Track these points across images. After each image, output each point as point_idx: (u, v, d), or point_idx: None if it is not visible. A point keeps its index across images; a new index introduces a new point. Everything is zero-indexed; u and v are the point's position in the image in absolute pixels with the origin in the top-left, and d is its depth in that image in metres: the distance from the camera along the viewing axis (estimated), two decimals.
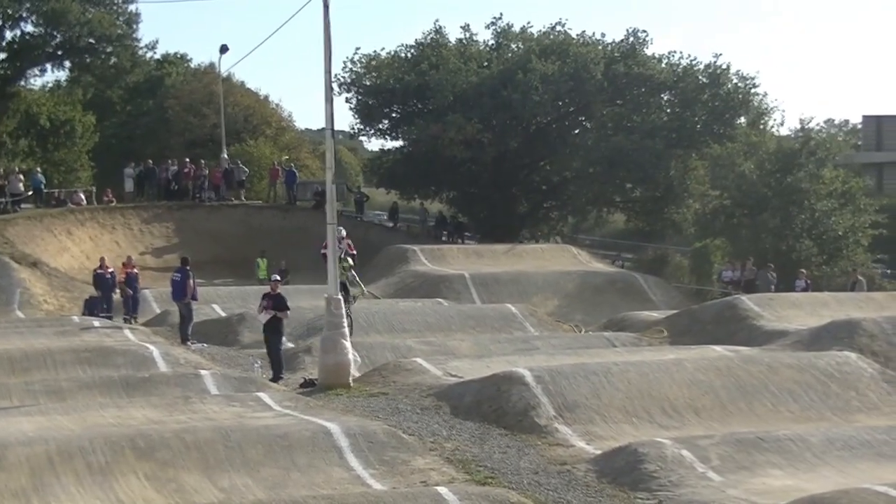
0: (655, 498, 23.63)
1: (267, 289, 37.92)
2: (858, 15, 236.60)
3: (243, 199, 77.41)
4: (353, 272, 38.11)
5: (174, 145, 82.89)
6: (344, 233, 38.73)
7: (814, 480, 23.24)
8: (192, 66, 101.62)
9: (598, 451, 26.70)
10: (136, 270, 52.21)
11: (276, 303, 36.47)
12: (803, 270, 63.03)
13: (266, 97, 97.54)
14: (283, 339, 37.21)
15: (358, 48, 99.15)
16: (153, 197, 74.96)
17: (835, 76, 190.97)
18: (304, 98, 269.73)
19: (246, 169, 78.48)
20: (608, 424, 28.86)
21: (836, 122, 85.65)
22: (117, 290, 51.03)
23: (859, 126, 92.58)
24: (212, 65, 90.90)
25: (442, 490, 23.19)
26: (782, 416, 29.81)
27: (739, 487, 23.70)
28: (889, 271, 65.93)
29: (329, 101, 36.04)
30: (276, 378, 35.83)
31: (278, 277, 40.16)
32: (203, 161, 77.57)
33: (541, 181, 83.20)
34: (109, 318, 48.60)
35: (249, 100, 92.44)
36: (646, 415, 29.51)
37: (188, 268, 44.07)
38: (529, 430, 28.64)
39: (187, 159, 76.73)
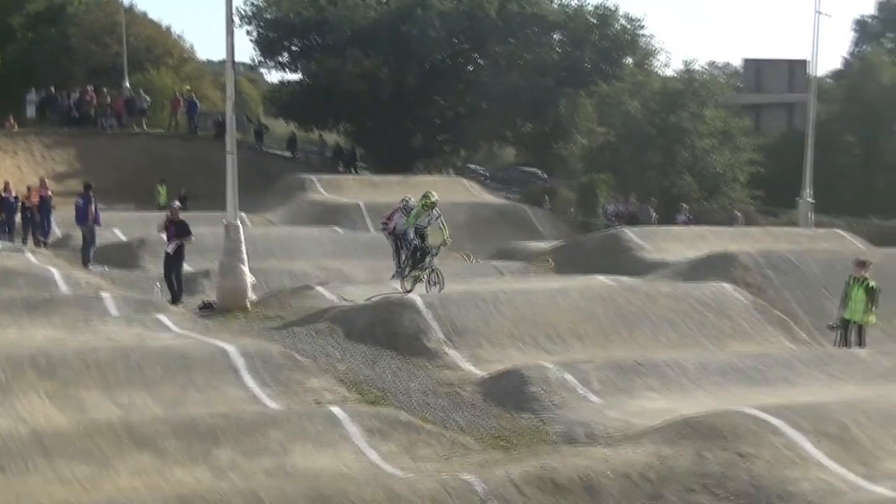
0: (538, 418, 23.95)
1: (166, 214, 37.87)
2: None
3: (145, 127, 77.12)
4: (437, 210, 35.00)
5: (76, 73, 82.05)
6: (412, 201, 36.28)
7: (688, 403, 23.64)
8: None
9: (485, 374, 26.96)
10: (49, 193, 51.87)
11: (179, 230, 36.42)
12: (684, 205, 63.65)
13: (168, 28, 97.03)
14: (184, 263, 37.16)
15: None
16: (55, 123, 74.41)
17: (719, 21, 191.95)
18: (206, 30, 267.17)
19: (148, 98, 78.24)
20: (495, 349, 29.13)
21: (719, 64, 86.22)
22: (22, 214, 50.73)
23: (740, 69, 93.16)
24: None
25: (334, 409, 23.38)
26: (661, 343, 30.21)
27: (618, 409, 24.10)
28: (765, 207, 66.50)
29: (230, 33, 36.04)
30: (175, 301, 35.88)
31: (178, 204, 40.12)
32: (105, 89, 77.10)
33: (435, 115, 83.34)
34: (10, 240, 48.31)
35: (151, 30, 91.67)
36: (531, 340, 29.80)
37: (91, 193, 43.89)
38: (419, 353, 28.85)
39: (89, 87, 76.26)
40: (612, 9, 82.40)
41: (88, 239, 43.34)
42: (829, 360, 28.52)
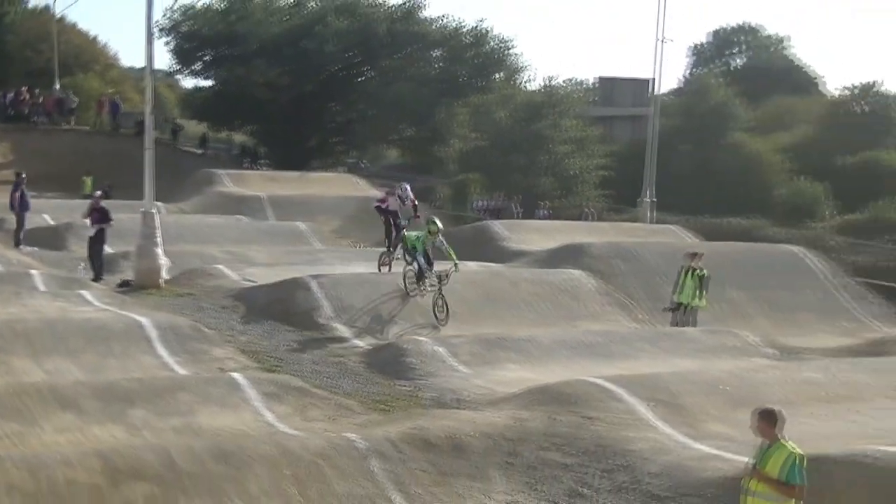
0: (414, 385, 24.02)
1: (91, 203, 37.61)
2: None
3: (73, 124, 76.44)
4: (441, 238, 31.18)
5: (12, 76, 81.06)
6: (409, 190, 34.66)
7: (544, 373, 23.80)
8: (30, 7, 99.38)
9: (368, 346, 27.04)
10: None
11: (101, 216, 36.24)
12: (543, 202, 64.10)
13: (95, 37, 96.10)
14: (105, 245, 36.86)
15: None
16: None
17: (578, 44, 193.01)
18: (130, 40, 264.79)
19: (76, 98, 77.72)
20: (379, 324, 29.24)
21: (576, 81, 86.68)
22: None
23: (595, 85, 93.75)
24: (47, 7, 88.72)
25: (236, 375, 23.36)
26: (522, 322, 30.35)
27: (483, 378, 24.22)
28: (613, 205, 66.94)
29: (150, 43, 35.93)
30: (97, 278, 35.60)
31: (100, 193, 39.83)
32: (38, 90, 76.37)
33: (329, 120, 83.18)
34: None
35: (80, 39, 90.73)
36: (408, 318, 29.88)
37: (22, 181, 43.45)
38: (311, 327, 28.87)
39: (24, 88, 75.57)
40: (486, 31, 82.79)
41: (19, 222, 42.82)
42: (664, 337, 28.87)
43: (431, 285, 30.06)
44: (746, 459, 14.74)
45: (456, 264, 30.23)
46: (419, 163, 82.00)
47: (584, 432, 19.69)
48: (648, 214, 57.38)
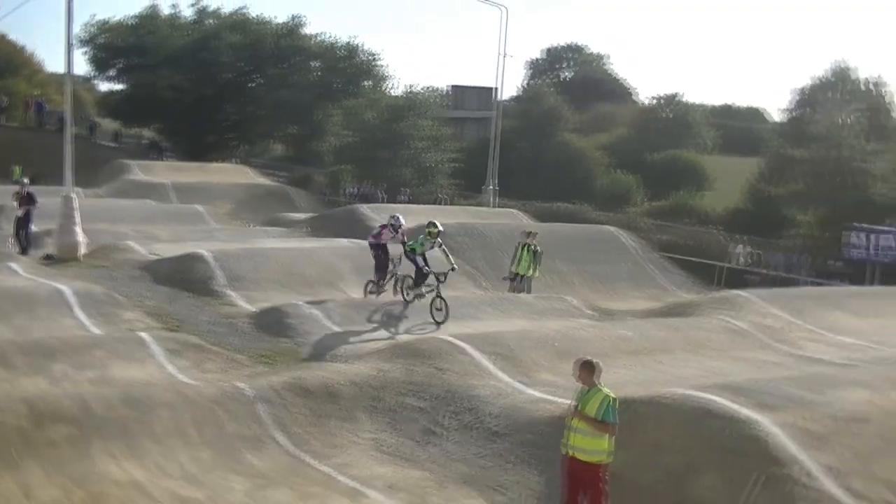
0: (294, 342, 23.99)
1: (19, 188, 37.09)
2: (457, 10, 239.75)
3: (3, 122, 75.42)
4: (440, 240, 27.48)
5: None
6: (401, 219, 29.07)
7: (369, 332, 23.91)
8: None
9: (256, 309, 26.92)
10: None
11: (28, 199, 35.80)
12: (405, 189, 64.26)
13: (23, 47, 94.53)
14: (31, 225, 36.32)
15: (94, 14, 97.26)
16: None
17: (434, 55, 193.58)
18: (54, 49, 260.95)
19: (6, 99, 76.91)
20: (264, 291, 29.07)
21: (432, 88, 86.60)
22: None
23: (448, 92, 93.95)
24: None
25: (143, 334, 23.23)
26: None
27: (352, 336, 24.23)
28: (463, 192, 67.23)
29: (69, 53, 35.68)
30: (24, 252, 35.10)
31: (26, 180, 39.18)
32: None
33: (225, 119, 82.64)
34: None
35: (10, 48, 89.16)
36: (291, 285, 29.78)
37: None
38: (208, 293, 28.71)
39: None
40: (356, 45, 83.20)
41: None
42: (503, 302, 29.05)
43: (428, 286, 26.73)
44: (569, 402, 14.93)
45: (454, 266, 27.32)
46: (300, 156, 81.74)
47: (435, 381, 19.81)
48: (491, 199, 57.86)
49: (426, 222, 28.19)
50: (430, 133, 70.96)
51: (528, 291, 31.36)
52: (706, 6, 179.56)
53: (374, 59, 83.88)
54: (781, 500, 14.83)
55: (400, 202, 58.83)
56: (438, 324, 25.69)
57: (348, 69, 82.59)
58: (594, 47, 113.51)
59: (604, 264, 36.35)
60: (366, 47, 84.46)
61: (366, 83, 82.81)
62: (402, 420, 18.72)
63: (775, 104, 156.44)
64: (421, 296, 26.81)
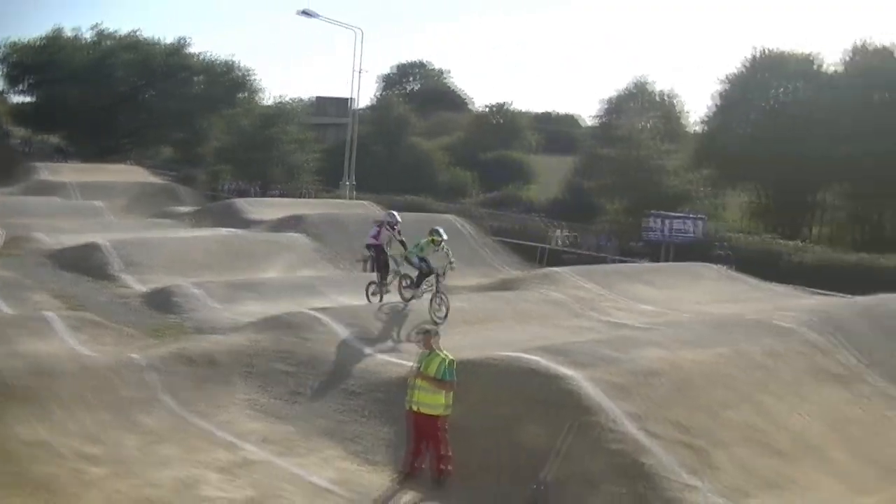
0: (180, 318, 23.75)
1: None
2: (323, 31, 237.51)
3: None
4: (445, 246, 23.08)
5: None
6: (397, 215, 25.91)
7: (274, 307, 23.62)
8: None
9: (147, 290, 26.53)
10: None
11: None
12: (276, 185, 63.87)
13: None
14: None
15: (8, 36, 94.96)
16: None
17: (296, 69, 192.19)
18: None
19: None
20: (155, 274, 28.68)
21: (299, 98, 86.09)
22: None
23: (313, 101, 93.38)
24: None
25: (48, 313, 22.67)
26: (258, 270, 30.17)
27: (230, 311, 24.07)
28: (325, 187, 67.04)
29: None
30: None
31: None
32: None
33: (122, 126, 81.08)
34: None
35: None
36: (178, 269, 29.38)
37: None
38: (105, 277, 28.31)
39: None
40: (233, 62, 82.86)
41: None
42: (360, 280, 28.86)
43: (428, 283, 23.10)
44: (412, 364, 15.02)
45: (452, 262, 23.47)
46: (186, 158, 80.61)
47: (301, 349, 19.67)
48: (348, 193, 57.73)
49: (429, 230, 23.84)
50: (297, 137, 70.57)
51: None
52: (532, 29, 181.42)
53: (248, 74, 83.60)
54: (592, 443, 15.08)
55: (272, 195, 58.48)
56: (437, 322, 21.23)
57: (226, 83, 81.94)
58: (437, 63, 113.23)
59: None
60: (242, 64, 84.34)
61: (242, 95, 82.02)
62: (273, 383, 18.56)
63: (587, 111, 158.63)
64: (419, 295, 23.24)
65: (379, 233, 25.14)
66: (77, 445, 15.85)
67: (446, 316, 22.02)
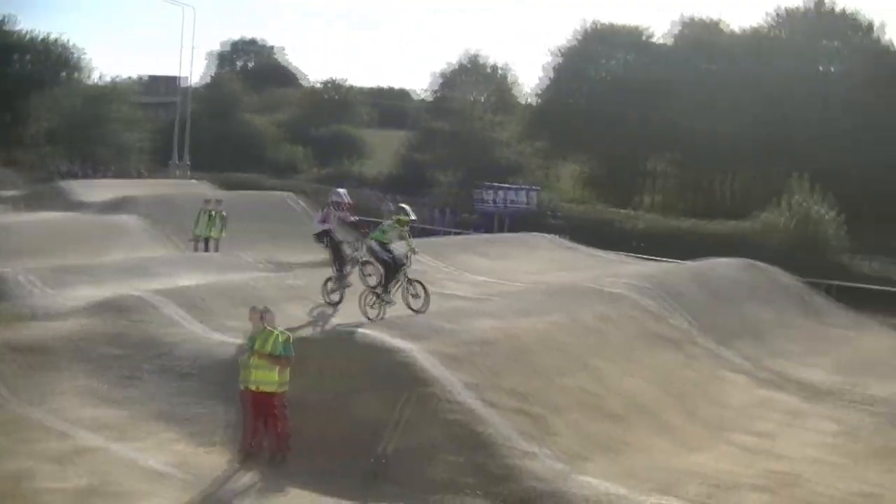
0: (12, 304, 22.65)
1: None
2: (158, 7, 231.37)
3: None
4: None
5: None
6: (344, 194, 21.96)
7: (108, 290, 22.69)
8: None
9: None
10: None
11: None
12: (108, 166, 62.39)
13: None
14: None
15: None
16: None
17: (136, 46, 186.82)
18: None
19: None
20: None
21: (131, 77, 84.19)
22: None
23: (145, 79, 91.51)
24: None
25: None
26: (90, 254, 29.21)
27: (64, 296, 23.06)
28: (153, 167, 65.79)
29: None
30: None
31: None
32: None
33: None
34: None
35: None
36: (6, 255, 27.98)
37: None
38: None
39: None
40: (62, 40, 78.42)
41: None
42: (192, 260, 28.43)
43: (395, 282, 19.92)
44: (242, 342, 15.08)
45: (413, 248, 20.33)
46: (7, 140, 77.23)
47: (134, 331, 19.31)
48: (179, 172, 56.76)
49: (395, 208, 21.56)
50: (127, 117, 69.06)
51: (216, 250, 30.89)
52: (365, 4, 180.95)
53: (74, 52, 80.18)
54: (430, 413, 15.27)
55: (105, 177, 56.98)
56: (416, 311, 19.46)
57: (55, 62, 78.51)
58: (271, 40, 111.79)
59: (279, 224, 36.04)
60: (71, 43, 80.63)
61: (72, 74, 79.06)
62: (105, 367, 18.18)
63: (420, 86, 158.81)
64: (391, 303, 19.87)
65: (327, 215, 21.67)
66: None
67: (426, 303, 19.68)
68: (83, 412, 16.57)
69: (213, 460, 14.95)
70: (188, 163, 58.57)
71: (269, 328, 15.18)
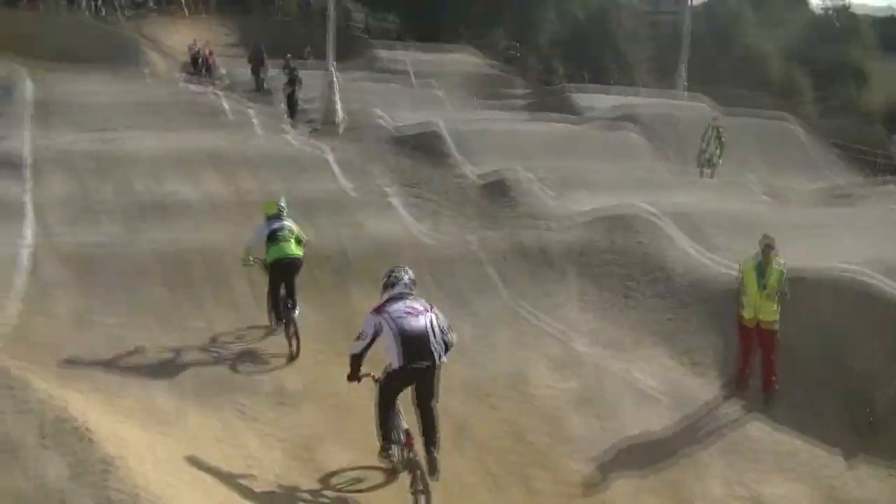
0: (515, 206, 23.66)
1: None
2: None
3: (278, 15, 75.38)
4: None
5: None
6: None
7: (606, 201, 23.23)
8: None
9: (483, 177, 26.74)
10: (209, 50, 51.71)
11: (292, 79, 36.50)
12: (615, 77, 63.25)
13: None
14: (299, 95, 36.81)
15: None
16: (225, 9, 72.95)
17: None
18: None
19: None
20: (490, 162, 28.65)
21: None
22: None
23: None
24: None
25: (390, 196, 23.48)
26: (591, 164, 29.74)
27: (563, 203, 23.80)
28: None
29: None
30: (292, 116, 35.77)
31: (289, 56, 39.91)
32: None
33: (457, 8, 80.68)
34: (197, 81, 47.74)
35: None
36: (512, 157, 29.15)
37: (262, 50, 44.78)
38: (443, 163, 28.33)
39: None
40: None
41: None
42: (692, 182, 28.33)
43: None
44: (737, 273, 14.98)
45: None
46: (518, 43, 79.87)
47: (634, 248, 19.39)
48: (682, 86, 56.22)
49: None
50: (631, 27, 69.48)
51: (712, 176, 30.40)
52: None
53: None
54: None
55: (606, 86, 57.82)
56: None
57: None
58: None
59: (777, 150, 34.96)
60: None
61: None
62: (604, 280, 18.45)
63: None
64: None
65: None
66: None
67: None
68: (581, 321, 16.95)
69: (702, 387, 14.78)
70: (685, 80, 58.06)
71: (775, 263, 14.69)
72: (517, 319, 17.05)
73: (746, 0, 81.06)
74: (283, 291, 15.52)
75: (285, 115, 36.53)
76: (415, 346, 10.62)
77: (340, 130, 34.06)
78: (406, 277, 11.29)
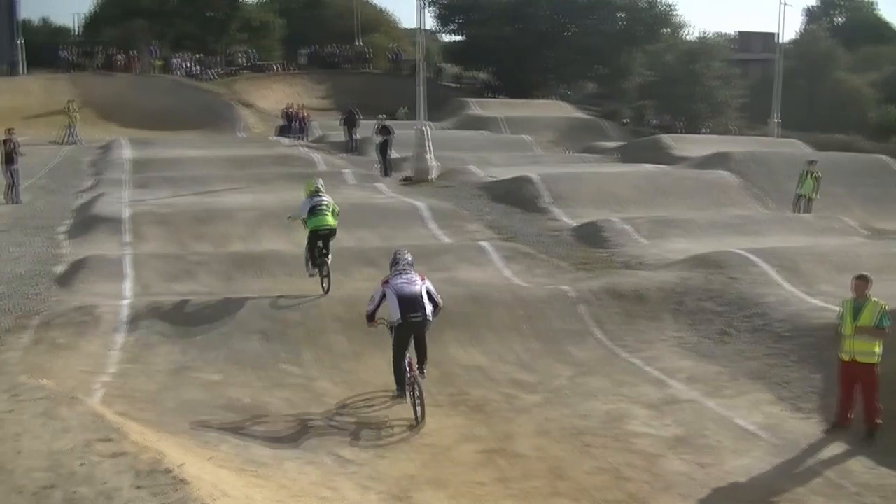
0: (608, 252, 23.75)
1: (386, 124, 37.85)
2: None
3: (370, 69, 76.55)
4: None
5: (325, 35, 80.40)
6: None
7: (700, 245, 23.22)
8: None
9: (576, 224, 26.77)
10: (304, 111, 52.36)
11: (385, 130, 36.80)
12: (706, 123, 62.94)
13: (383, 9, 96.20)
14: (391, 151, 37.15)
15: None
16: (317, 67, 74.17)
17: (720, 4, 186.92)
18: (407, 9, 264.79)
19: (371, 51, 77.67)
20: (583, 208, 28.75)
21: (721, 33, 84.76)
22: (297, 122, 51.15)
23: (735, 37, 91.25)
24: None
25: (483, 243, 23.58)
26: (684, 207, 29.66)
27: (657, 248, 23.80)
28: (749, 124, 65.31)
29: (420, 12, 37.15)
30: (385, 174, 36.02)
31: (383, 115, 40.39)
32: (343, 46, 77.06)
33: (544, 62, 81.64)
34: (290, 137, 48.54)
35: (372, 10, 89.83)
36: (604, 204, 29.36)
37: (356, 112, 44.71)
38: (535, 210, 28.71)
39: (334, 44, 76.24)
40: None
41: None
42: (787, 221, 27.96)
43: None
44: (838, 309, 14.40)
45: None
46: (608, 93, 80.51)
47: (730, 289, 19.23)
48: (775, 131, 55.76)
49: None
50: (721, 73, 69.12)
51: (809, 212, 30.09)
52: None
53: (670, 10, 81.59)
54: None
55: (698, 132, 57.54)
56: None
57: (648, 19, 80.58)
58: None
59: (875, 188, 34.42)
60: (671, 0, 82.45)
61: (664, 30, 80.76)
62: (701, 321, 18.28)
63: None
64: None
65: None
66: (511, 372, 16.38)
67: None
68: (678, 363, 16.73)
69: (804, 426, 14.42)
70: (778, 121, 57.50)
71: (868, 298, 14.40)
72: (614, 362, 16.91)
73: (837, 37, 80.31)
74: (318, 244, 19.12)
75: (377, 166, 36.93)
76: (409, 305, 14.29)
77: (432, 177, 34.32)
78: (407, 257, 14.98)
